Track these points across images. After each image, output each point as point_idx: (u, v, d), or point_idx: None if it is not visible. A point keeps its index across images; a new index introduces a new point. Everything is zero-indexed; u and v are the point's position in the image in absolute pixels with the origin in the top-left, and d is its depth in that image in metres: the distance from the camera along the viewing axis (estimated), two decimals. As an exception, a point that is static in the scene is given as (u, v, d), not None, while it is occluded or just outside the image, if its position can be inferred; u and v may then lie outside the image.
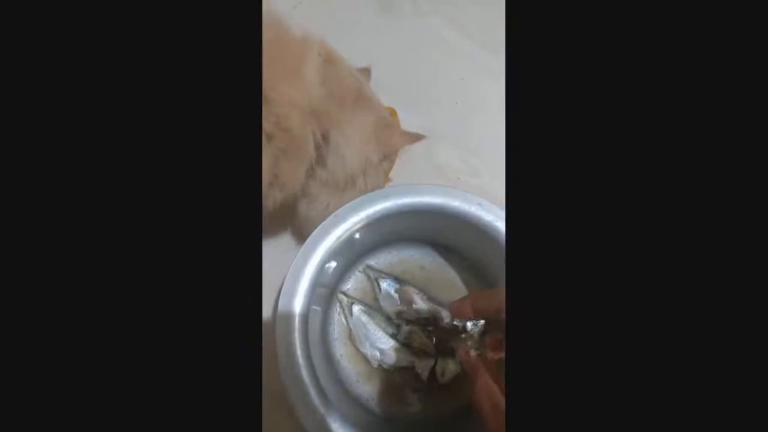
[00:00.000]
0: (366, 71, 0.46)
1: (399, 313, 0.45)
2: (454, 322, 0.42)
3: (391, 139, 0.43)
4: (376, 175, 0.44)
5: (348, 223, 0.40)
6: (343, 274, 0.47)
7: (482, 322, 0.39)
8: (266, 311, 0.44)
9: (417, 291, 0.46)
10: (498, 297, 0.31)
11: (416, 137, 0.44)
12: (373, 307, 0.46)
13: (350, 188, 0.42)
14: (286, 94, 0.36)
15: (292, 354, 0.36)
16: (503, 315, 0.30)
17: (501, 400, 0.28)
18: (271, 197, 0.40)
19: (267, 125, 0.36)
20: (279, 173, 0.38)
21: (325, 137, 0.39)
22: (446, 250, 0.48)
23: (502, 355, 0.34)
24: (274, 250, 0.50)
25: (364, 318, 0.45)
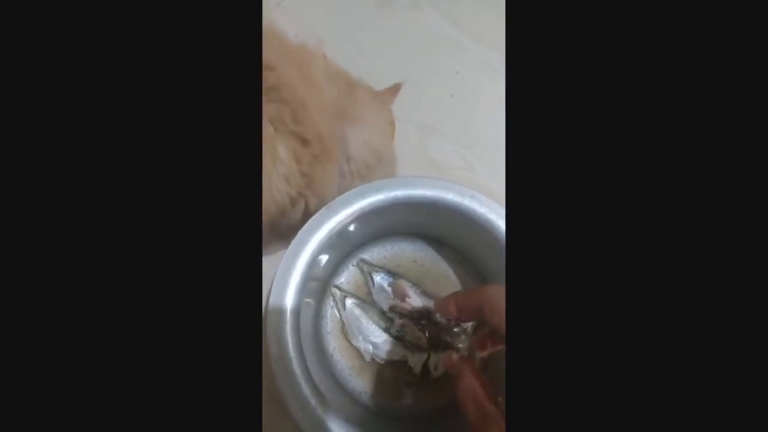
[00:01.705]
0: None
1: (392, 307, 0.44)
2: (439, 318, 0.42)
3: (382, 101, 0.44)
4: (389, 142, 0.45)
5: (340, 216, 0.39)
6: (336, 267, 0.47)
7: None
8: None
9: (410, 285, 0.45)
10: (480, 295, 0.31)
11: (396, 88, 0.46)
12: (367, 300, 0.46)
13: (380, 165, 0.43)
14: (311, 101, 0.36)
15: (283, 347, 0.36)
16: (485, 314, 0.30)
17: (484, 399, 0.29)
18: (301, 203, 0.40)
19: (305, 131, 0.36)
20: (311, 183, 0.38)
21: (344, 134, 0.39)
22: (439, 243, 0.48)
23: (487, 353, 0.35)
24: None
25: (357, 312, 0.45)
